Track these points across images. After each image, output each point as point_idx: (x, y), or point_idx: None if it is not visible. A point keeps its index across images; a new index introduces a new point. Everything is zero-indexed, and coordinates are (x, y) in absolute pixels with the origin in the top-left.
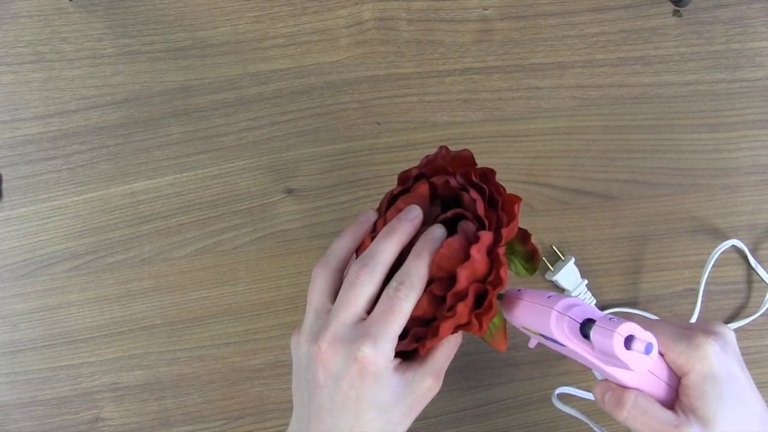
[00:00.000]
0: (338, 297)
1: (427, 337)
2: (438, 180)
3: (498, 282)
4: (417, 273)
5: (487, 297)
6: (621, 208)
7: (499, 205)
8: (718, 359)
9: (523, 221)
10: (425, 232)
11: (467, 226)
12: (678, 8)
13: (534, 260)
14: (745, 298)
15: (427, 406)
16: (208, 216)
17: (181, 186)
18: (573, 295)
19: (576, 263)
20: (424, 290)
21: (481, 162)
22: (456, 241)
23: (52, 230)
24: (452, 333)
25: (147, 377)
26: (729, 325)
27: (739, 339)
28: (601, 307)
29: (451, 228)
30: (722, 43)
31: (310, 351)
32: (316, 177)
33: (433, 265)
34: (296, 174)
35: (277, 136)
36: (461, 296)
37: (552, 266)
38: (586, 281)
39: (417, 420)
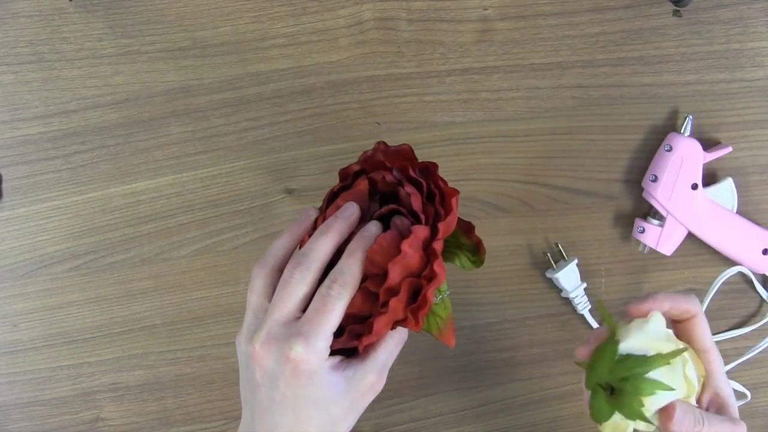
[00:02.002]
0: (273, 296)
1: (363, 334)
2: (376, 176)
3: (432, 275)
4: (350, 271)
5: (422, 292)
6: (621, 208)
7: (436, 198)
8: None
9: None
10: (360, 230)
11: (401, 221)
12: (678, 8)
13: (479, 252)
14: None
15: (428, 406)
16: (208, 216)
17: (181, 186)
18: (570, 296)
19: (578, 265)
20: (359, 287)
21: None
22: (388, 236)
23: (52, 230)
24: (391, 329)
25: (147, 377)
26: (731, 332)
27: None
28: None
29: (389, 224)
30: (722, 43)
31: (248, 350)
32: (316, 177)
33: (366, 261)
34: (296, 174)
35: (277, 136)
36: (394, 292)
37: (555, 264)
38: (585, 285)
39: (417, 420)
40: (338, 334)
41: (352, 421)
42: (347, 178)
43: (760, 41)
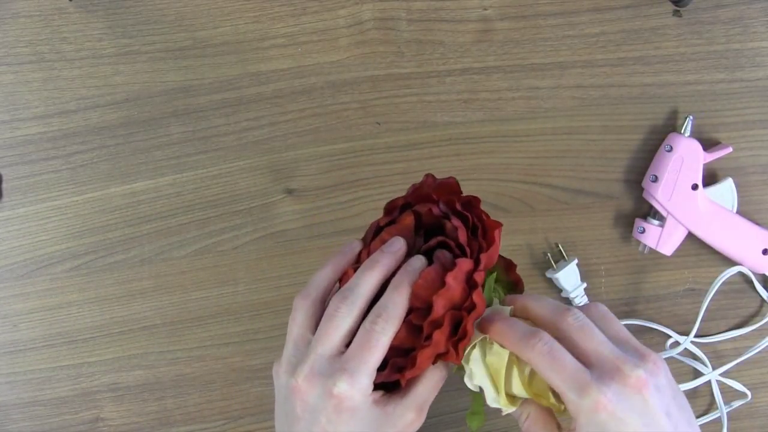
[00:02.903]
0: (318, 329)
1: (406, 367)
2: (422, 208)
3: (472, 306)
4: (394, 306)
5: (462, 323)
6: (621, 208)
7: (479, 231)
8: (609, 416)
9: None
10: (405, 264)
11: (443, 254)
12: (678, 8)
13: (517, 290)
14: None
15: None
16: (208, 216)
17: (181, 186)
18: (570, 296)
19: (578, 265)
20: (404, 320)
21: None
22: (433, 270)
23: (52, 230)
24: (432, 363)
25: (147, 377)
26: (731, 332)
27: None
28: None
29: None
30: (722, 43)
31: (289, 383)
32: (316, 177)
33: (411, 295)
34: (296, 174)
35: (277, 136)
36: (437, 324)
37: (555, 264)
38: (585, 285)
39: None
40: (381, 367)
41: None
42: (393, 212)
43: (760, 41)
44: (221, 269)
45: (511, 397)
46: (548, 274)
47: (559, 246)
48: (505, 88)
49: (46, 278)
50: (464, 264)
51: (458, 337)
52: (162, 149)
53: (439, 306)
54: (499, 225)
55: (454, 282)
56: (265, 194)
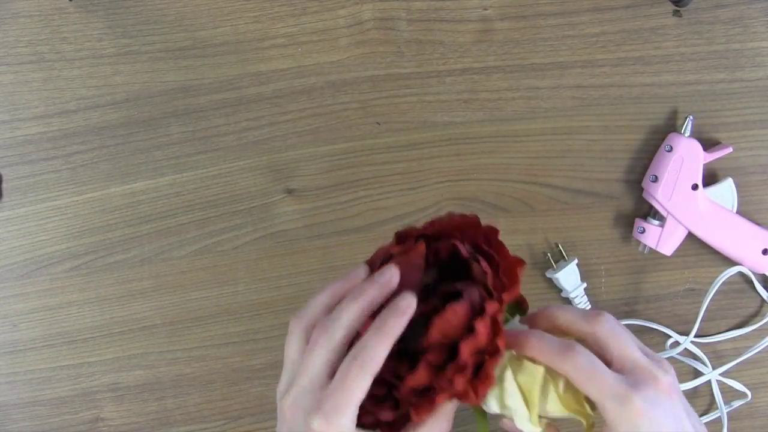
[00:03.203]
0: (302, 360)
1: (422, 407)
2: (443, 243)
3: (495, 351)
4: (373, 350)
5: (484, 367)
6: (621, 208)
7: (501, 268)
8: (648, 420)
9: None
10: (392, 302)
11: (473, 293)
12: (678, 8)
13: (521, 311)
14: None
15: None
16: (208, 216)
17: (181, 186)
18: (570, 296)
19: (578, 265)
20: (423, 359)
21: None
22: (461, 309)
23: (52, 230)
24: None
25: (147, 377)
26: (731, 332)
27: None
28: (601, 308)
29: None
30: (722, 43)
31: (280, 405)
32: (316, 177)
33: (435, 331)
34: (296, 174)
35: (277, 136)
36: (461, 368)
37: (555, 264)
38: (585, 285)
39: None
40: (395, 404)
41: None
42: (407, 240)
43: (760, 41)
44: (221, 269)
45: (538, 418)
46: (548, 274)
47: (559, 246)
48: (505, 88)
49: (46, 278)
50: (492, 308)
51: (479, 380)
52: (162, 149)
53: (466, 352)
54: (522, 263)
55: (484, 329)
56: (265, 194)
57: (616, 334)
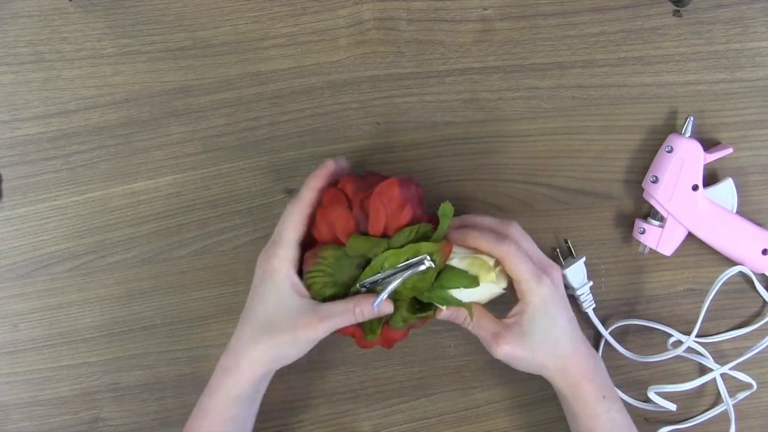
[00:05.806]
0: None
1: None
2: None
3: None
4: (301, 194)
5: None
6: (621, 208)
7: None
8: (551, 295)
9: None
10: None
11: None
12: (678, 8)
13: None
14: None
15: (428, 406)
16: (208, 216)
17: (181, 186)
18: (577, 293)
19: (586, 263)
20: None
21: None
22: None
23: (52, 230)
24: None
25: (147, 377)
26: (732, 332)
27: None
28: (602, 308)
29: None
30: (722, 43)
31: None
32: None
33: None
34: (296, 174)
35: (277, 136)
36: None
37: (563, 260)
38: (590, 283)
39: (417, 420)
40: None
41: (288, 342)
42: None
43: (760, 41)
44: (221, 269)
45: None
46: None
47: (569, 243)
48: (505, 88)
49: (46, 278)
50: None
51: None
52: (162, 149)
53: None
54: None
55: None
56: (265, 194)
57: (525, 235)
